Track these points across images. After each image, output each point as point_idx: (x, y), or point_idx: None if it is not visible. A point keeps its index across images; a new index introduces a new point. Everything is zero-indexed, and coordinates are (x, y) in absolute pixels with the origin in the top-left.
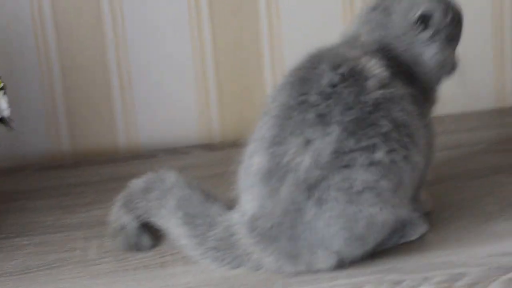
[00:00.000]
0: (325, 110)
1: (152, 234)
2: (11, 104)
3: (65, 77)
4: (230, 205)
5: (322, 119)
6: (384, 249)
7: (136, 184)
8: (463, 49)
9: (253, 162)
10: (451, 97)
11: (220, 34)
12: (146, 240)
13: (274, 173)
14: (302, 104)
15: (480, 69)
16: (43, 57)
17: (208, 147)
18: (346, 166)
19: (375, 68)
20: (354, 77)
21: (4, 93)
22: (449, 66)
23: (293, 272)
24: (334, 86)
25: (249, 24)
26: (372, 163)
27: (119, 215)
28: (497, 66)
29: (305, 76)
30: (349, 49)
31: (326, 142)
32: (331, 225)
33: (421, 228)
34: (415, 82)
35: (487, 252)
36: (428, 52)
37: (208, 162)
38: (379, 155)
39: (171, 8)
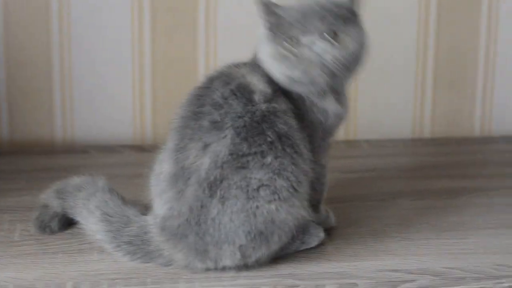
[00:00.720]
0: (218, 117)
1: (64, 225)
2: None
3: (9, 69)
4: (146, 210)
5: (217, 125)
6: (286, 254)
7: (73, 180)
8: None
9: (162, 169)
10: (370, 123)
11: (159, 47)
12: (55, 225)
13: (179, 176)
14: (198, 114)
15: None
16: None
17: (140, 148)
18: (243, 167)
19: (259, 84)
20: (241, 91)
21: None
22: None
23: (201, 269)
24: (225, 98)
25: (188, 37)
26: (263, 165)
27: (48, 196)
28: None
29: (200, 93)
30: (239, 68)
31: (222, 144)
32: (233, 220)
33: (319, 235)
34: (293, 99)
35: (378, 267)
36: None
37: (137, 162)
38: (268, 159)
39: (115, 9)
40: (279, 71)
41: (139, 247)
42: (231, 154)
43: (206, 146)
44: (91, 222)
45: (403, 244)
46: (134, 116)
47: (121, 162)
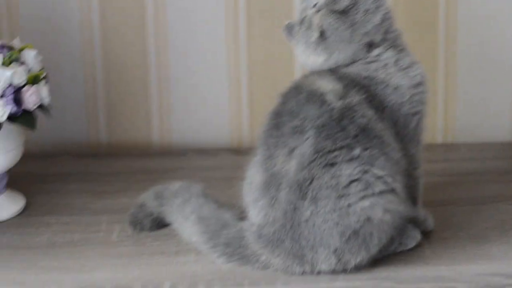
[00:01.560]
0: (298, 122)
1: (156, 225)
2: (55, 93)
3: (107, 73)
4: (242, 214)
5: (298, 129)
6: (384, 256)
7: (172, 185)
8: None
9: (253, 179)
10: (468, 127)
11: (255, 45)
12: (147, 223)
13: (270, 184)
14: (278, 124)
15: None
16: (88, 52)
17: (236, 151)
18: (330, 164)
19: (328, 84)
20: (313, 96)
21: (46, 83)
22: None
23: (299, 273)
24: (300, 105)
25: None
26: (352, 158)
27: (147, 196)
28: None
29: (275, 110)
30: (307, 78)
31: (306, 146)
32: (326, 221)
33: (416, 237)
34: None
35: (478, 271)
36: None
37: (233, 165)
38: (357, 151)
39: (210, 14)
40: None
41: (236, 250)
42: (316, 153)
43: (291, 151)
44: (186, 226)
45: (502, 248)
46: (230, 119)
47: (217, 165)
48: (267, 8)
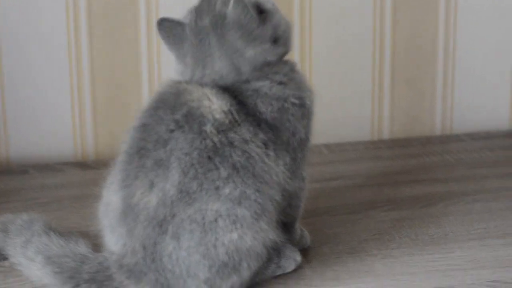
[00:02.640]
0: (163, 155)
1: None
2: None
3: None
4: (95, 243)
5: (161, 164)
6: (261, 281)
7: (19, 218)
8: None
9: (110, 200)
10: (327, 127)
11: (98, 53)
12: None
13: (128, 214)
14: (141, 150)
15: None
16: None
17: (82, 165)
18: (195, 201)
19: (216, 112)
20: (190, 123)
21: None
22: None
23: None
24: (171, 131)
25: (128, 43)
26: (220, 196)
27: None
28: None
29: (145, 122)
30: (195, 87)
31: (169, 184)
32: (191, 255)
33: (296, 259)
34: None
35: None
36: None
37: (82, 181)
38: (226, 191)
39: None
40: None
41: (103, 283)
42: (180, 193)
43: (151, 185)
44: (34, 269)
45: (386, 262)
46: (74, 130)
47: (65, 182)
48: (111, 8)
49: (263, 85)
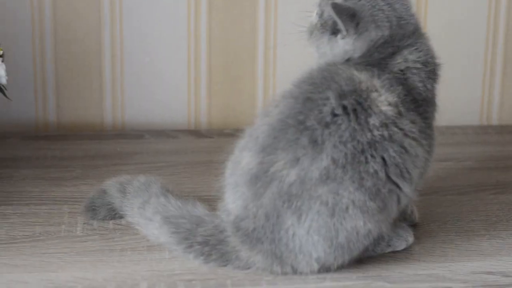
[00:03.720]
0: (320, 138)
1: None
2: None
3: (57, 48)
4: (212, 207)
5: (315, 145)
6: (370, 256)
7: (136, 180)
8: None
9: (242, 158)
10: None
11: (216, 23)
12: (102, 212)
13: (260, 179)
14: (299, 125)
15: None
16: (37, 26)
17: (195, 133)
18: (332, 185)
19: (383, 104)
20: (356, 111)
21: (2, 61)
22: None
23: (281, 273)
24: (334, 115)
25: (246, 16)
26: (359, 187)
27: (111, 186)
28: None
29: (309, 97)
30: (361, 73)
31: (314, 167)
32: (311, 235)
33: (408, 240)
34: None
35: (472, 269)
36: None
37: (195, 149)
38: (368, 184)
39: None
40: None
41: (215, 247)
42: (321, 177)
43: (296, 160)
44: (151, 228)
45: (493, 243)
46: (188, 99)
47: (179, 149)
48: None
49: (411, 53)
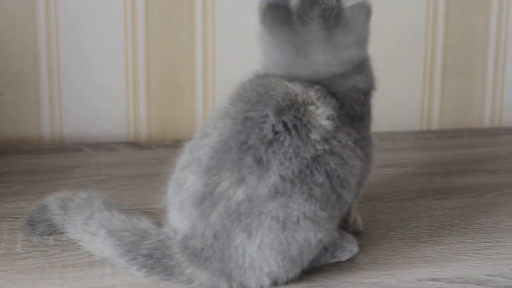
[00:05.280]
0: (264, 156)
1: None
2: None
3: None
4: (157, 221)
5: (260, 164)
6: (314, 267)
7: (77, 196)
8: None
9: (185, 180)
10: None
11: (154, 33)
12: (41, 228)
13: (206, 199)
14: (242, 145)
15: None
16: None
17: (135, 145)
18: (283, 200)
19: (322, 118)
20: (297, 127)
21: None
22: None
23: None
24: (276, 133)
25: (184, 25)
26: (308, 199)
27: (52, 202)
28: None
29: (248, 116)
30: (297, 87)
31: (262, 184)
32: (262, 250)
33: (352, 250)
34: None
35: (417, 276)
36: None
37: (136, 161)
38: (317, 194)
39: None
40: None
41: (159, 261)
42: (269, 193)
43: (243, 180)
44: (95, 242)
45: (437, 249)
46: (127, 110)
47: (119, 161)
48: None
49: (360, 79)
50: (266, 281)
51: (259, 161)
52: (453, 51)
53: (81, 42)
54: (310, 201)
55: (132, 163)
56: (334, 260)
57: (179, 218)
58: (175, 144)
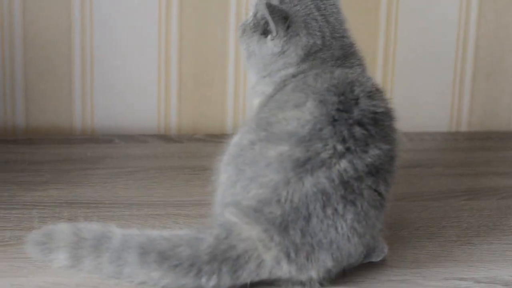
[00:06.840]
0: (374, 130)
1: None
2: None
3: (27, 51)
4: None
5: (366, 139)
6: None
7: (87, 231)
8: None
9: (266, 148)
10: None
11: (187, 28)
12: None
13: (303, 164)
14: (349, 119)
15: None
16: (7, 29)
17: (166, 138)
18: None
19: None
20: (389, 113)
21: None
22: None
23: (285, 272)
24: (375, 113)
25: (218, 22)
26: (391, 184)
27: (60, 230)
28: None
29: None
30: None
31: (365, 157)
32: (351, 228)
33: (384, 251)
34: None
35: (444, 275)
36: None
37: (166, 153)
38: (393, 180)
39: None
40: None
41: (224, 256)
42: (367, 166)
43: (346, 150)
44: (144, 273)
45: (465, 249)
46: (158, 104)
47: (149, 154)
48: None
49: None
50: (329, 264)
51: (365, 136)
52: (484, 52)
53: (114, 35)
54: (389, 189)
55: (162, 156)
56: (367, 260)
57: (253, 187)
58: (204, 139)
